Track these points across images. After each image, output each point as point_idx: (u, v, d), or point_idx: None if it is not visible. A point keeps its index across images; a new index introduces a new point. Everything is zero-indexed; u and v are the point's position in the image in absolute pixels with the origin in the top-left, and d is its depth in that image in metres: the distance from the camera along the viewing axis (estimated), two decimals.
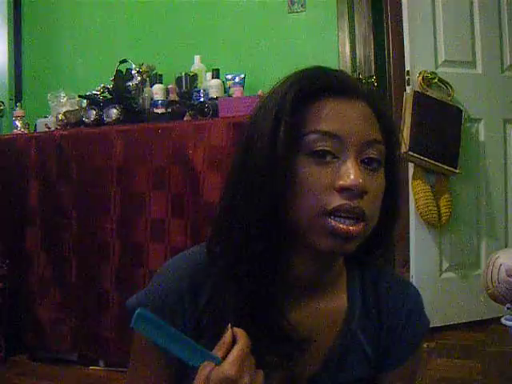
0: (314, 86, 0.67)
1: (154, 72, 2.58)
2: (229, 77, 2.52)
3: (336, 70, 0.71)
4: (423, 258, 2.46)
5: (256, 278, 0.67)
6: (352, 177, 0.62)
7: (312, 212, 0.64)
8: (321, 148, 0.64)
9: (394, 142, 0.71)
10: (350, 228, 0.63)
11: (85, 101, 2.53)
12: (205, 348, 0.61)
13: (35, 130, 2.66)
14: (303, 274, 0.71)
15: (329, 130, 0.64)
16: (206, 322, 0.70)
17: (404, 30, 2.43)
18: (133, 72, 2.46)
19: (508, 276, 1.70)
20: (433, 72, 2.42)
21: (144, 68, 2.47)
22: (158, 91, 2.48)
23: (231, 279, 0.68)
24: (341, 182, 0.63)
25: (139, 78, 2.44)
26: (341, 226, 0.62)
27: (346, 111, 0.66)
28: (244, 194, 0.67)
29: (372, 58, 2.77)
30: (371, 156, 0.66)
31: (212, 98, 2.37)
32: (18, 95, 3.17)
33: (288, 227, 0.66)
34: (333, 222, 0.63)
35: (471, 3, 2.50)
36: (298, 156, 0.65)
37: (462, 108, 2.42)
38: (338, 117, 0.65)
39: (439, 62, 2.46)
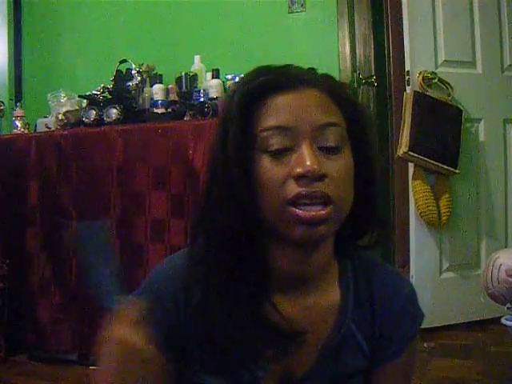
0: (258, 86, 0.68)
1: (154, 72, 2.58)
2: (229, 77, 2.51)
3: (281, 66, 0.73)
4: (423, 258, 2.46)
5: (240, 275, 0.68)
6: (306, 163, 0.63)
7: (276, 205, 0.65)
8: (275, 144, 0.66)
9: (359, 122, 0.71)
10: (320, 213, 0.64)
11: (85, 101, 2.53)
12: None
13: (35, 130, 2.66)
14: (288, 267, 0.71)
15: (277, 123, 0.66)
16: (199, 322, 0.70)
17: (404, 30, 2.43)
18: (133, 72, 2.46)
19: (508, 276, 1.70)
20: (433, 72, 2.41)
21: (144, 68, 2.47)
22: (158, 91, 2.48)
23: (217, 278, 0.69)
24: (295, 170, 0.64)
25: (139, 78, 2.45)
26: (307, 212, 0.63)
27: (293, 102, 0.67)
28: (215, 196, 0.69)
29: (372, 58, 2.77)
30: (328, 139, 0.67)
31: (212, 98, 2.37)
32: (18, 95, 3.16)
33: (263, 223, 0.68)
34: (298, 211, 0.64)
35: (471, 3, 2.50)
36: (255, 155, 0.67)
37: (461, 108, 2.42)
38: (285, 109, 0.67)
39: (439, 62, 2.46)
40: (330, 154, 0.66)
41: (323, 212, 0.64)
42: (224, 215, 0.67)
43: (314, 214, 0.63)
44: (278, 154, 0.66)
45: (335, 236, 0.73)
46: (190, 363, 0.73)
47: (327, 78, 0.73)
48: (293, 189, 0.64)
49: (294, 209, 0.64)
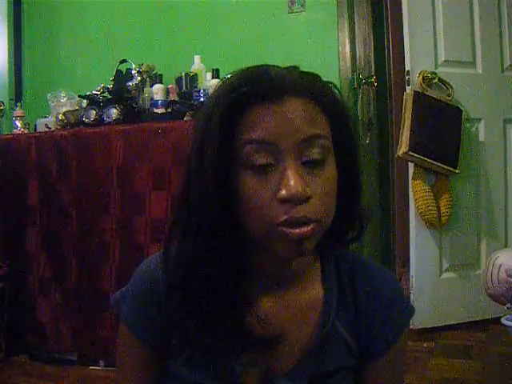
0: (239, 97, 0.65)
1: (154, 72, 2.58)
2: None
3: (260, 70, 0.70)
4: (423, 258, 2.46)
5: (216, 280, 0.68)
6: (291, 185, 0.62)
7: (263, 225, 0.64)
8: (258, 159, 0.64)
9: (345, 125, 0.70)
10: (304, 230, 0.63)
11: (85, 101, 2.53)
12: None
13: (35, 130, 2.66)
14: (268, 268, 0.72)
15: (260, 138, 0.63)
16: (177, 319, 0.71)
17: (404, 29, 2.43)
18: (133, 72, 2.46)
19: (508, 276, 1.70)
20: (433, 72, 2.41)
21: (144, 68, 2.47)
22: (158, 91, 2.48)
23: (193, 282, 0.69)
24: (281, 194, 0.62)
25: (139, 78, 2.45)
26: (292, 230, 0.63)
27: (277, 114, 0.64)
28: (194, 203, 0.68)
29: (372, 58, 2.77)
30: (313, 153, 0.64)
31: None
32: (17, 95, 3.17)
33: (245, 233, 0.67)
34: (287, 230, 0.63)
35: (471, 3, 2.50)
36: (238, 169, 0.65)
37: (461, 108, 2.42)
38: (268, 123, 0.64)
39: (439, 62, 2.46)
40: (314, 169, 0.65)
41: (306, 230, 0.63)
42: (203, 226, 0.67)
43: (299, 232, 0.63)
44: (262, 171, 0.64)
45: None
46: (174, 358, 0.74)
47: (312, 79, 0.69)
48: (279, 214, 0.63)
49: (282, 228, 0.63)
